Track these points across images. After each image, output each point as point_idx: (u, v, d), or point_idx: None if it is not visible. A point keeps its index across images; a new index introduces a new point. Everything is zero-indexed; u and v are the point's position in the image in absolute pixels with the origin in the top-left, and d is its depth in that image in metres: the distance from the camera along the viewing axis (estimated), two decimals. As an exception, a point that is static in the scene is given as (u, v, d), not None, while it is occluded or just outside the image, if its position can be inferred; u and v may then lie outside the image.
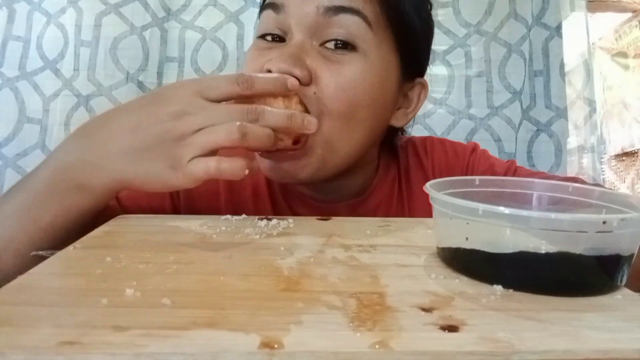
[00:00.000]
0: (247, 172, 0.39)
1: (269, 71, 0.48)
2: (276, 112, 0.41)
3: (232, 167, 0.38)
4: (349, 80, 0.48)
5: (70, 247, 0.34)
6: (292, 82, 0.44)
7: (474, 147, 0.66)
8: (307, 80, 0.47)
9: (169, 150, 0.39)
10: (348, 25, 0.48)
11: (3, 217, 0.42)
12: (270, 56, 0.48)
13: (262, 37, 0.52)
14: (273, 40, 0.52)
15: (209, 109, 0.40)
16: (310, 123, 0.44)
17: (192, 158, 0.38)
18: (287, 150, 0.47)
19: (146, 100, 0.42)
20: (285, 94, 0.44)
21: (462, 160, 0.65)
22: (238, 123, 0.38)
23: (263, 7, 0.53)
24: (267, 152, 0.49)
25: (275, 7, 0.50)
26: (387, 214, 0.59)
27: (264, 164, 0.50)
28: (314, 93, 0.48)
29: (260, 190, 0.59)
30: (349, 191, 0.59)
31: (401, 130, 0.64)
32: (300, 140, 0.48)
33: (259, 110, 0.40)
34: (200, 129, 0.39)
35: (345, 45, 0.49)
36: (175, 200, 0.56)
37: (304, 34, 0.49)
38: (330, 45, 0.49)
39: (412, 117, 0.59)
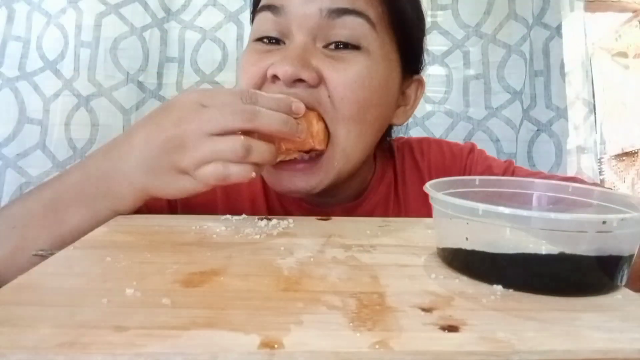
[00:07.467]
0: (254, 174, 0.40)
1: (274, 76, 0.47)
2: (272, 113, 0.41)
3: (239, 170, 0.39)
4: (357, 78, 0.48)
5: (70, 247, 0.34)
6: (297, 105, 0.43)
7: (472, 148, 0.66)
8: (316, 82, 0.47)
9: (174, 158, 0.40)
10: (352, 27, 0.48)
11: (28, 216, 0.44)
12: (272, 60, 0.48)
13: (259, 39, 0.51)
14: (271, 43, 0.51)
15: (205, 112, 0.40)
16: (301, 132, 0.43)
17: (199, 166, 0.39)
18: (298, 162, 0.47)
19: (156, 112, 0.43)
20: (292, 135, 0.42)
21: (459, 161, 0.64)
22: (243, 138, 0.39)
23: (258, 9, 0.52)
24: (279, 165, 0.48)
25: (273, 9, 0.49)
26: (384, 216, 0.59)
27: (276, 178, 0.50)
28: (328, 97, 0.47)
29: (257, 195, 0.59)
30: (346, 194, 0.59)
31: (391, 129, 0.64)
32: (309, 150, 0.47)
33: (255, 110, 0.40)
34: (204, 135, 0.39)
35: (349, 46, 0.49)
36: (173, 207, 0.56)
37: (306, 35, 0.48)
38: (334, 46, 0.49)
39: (410, 115, 0.60)
